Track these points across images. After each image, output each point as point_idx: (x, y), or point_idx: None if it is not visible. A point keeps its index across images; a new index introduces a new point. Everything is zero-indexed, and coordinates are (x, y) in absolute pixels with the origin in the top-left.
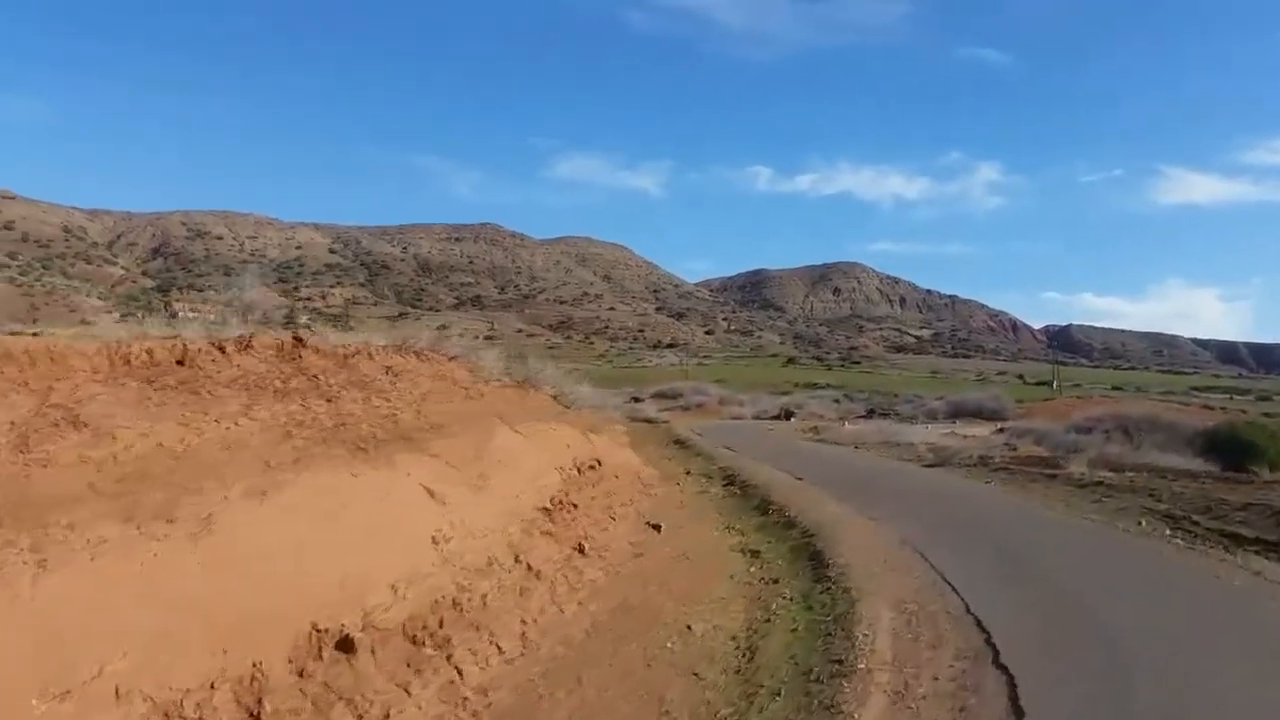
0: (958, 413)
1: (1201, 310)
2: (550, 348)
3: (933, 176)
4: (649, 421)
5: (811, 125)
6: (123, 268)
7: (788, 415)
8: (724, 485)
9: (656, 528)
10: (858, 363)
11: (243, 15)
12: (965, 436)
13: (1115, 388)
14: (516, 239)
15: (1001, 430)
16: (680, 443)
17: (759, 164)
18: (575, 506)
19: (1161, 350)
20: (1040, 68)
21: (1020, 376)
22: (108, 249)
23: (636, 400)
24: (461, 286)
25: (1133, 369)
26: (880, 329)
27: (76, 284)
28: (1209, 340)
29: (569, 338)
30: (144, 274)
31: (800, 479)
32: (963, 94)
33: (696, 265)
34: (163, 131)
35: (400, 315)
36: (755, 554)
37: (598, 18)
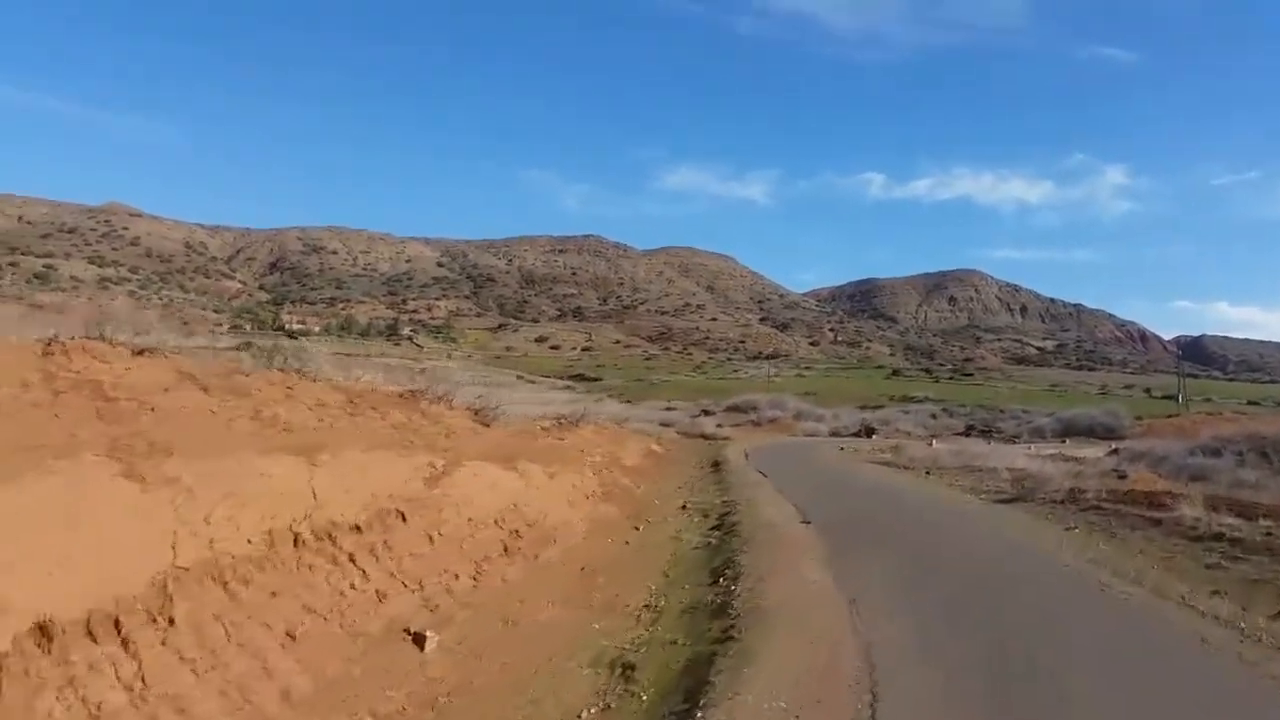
0: (1068, 431)
1: None
2: (647, 359)
3: (1056, 180)
4: (706, 438)
5: (927, 129)
6: (240, 281)
7: (868, 432)
8: (711, 529)
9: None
10: (970, 375)
11: (361, 35)
12: (1070, 459)
13: (1251, 402)
14: (619, 250)
15: (1115, 451)
16: (716, 465)
17: (871, 170)
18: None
19: None
20: (1170, 66)
21: (1147, 390)
22: (227, 264)
23: (706, 414)
24: (564, 298)
25: (1272, 383)
26: (999, 340)
27: (193, 297)
28: None
29: (667, 349)
30: (260, 287)
31: (808, 522)
32: (1088, 94)
33: (804, 276)
34: (282, 150)
35: (500, 326)
36: (625, 671)
37: (705, 25)
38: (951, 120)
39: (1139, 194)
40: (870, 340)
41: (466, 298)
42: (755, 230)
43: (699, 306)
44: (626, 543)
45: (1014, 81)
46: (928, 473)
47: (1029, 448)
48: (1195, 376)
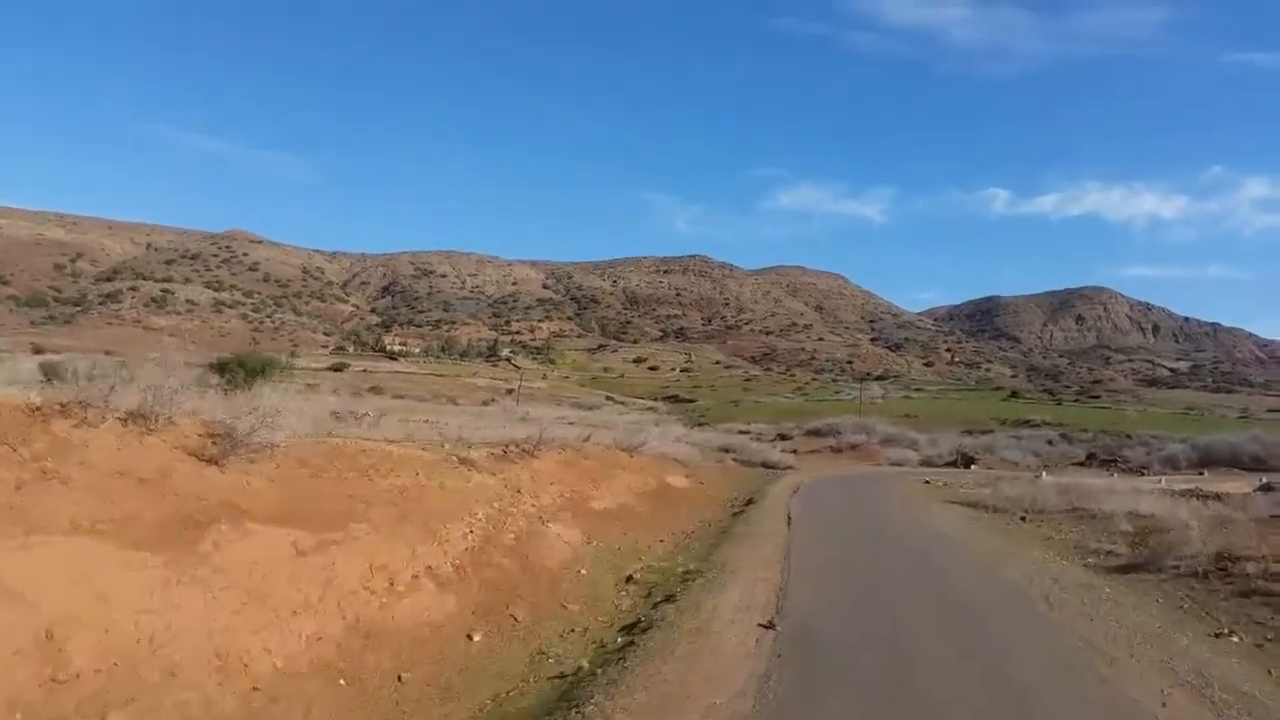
0: (1207, 460)
1: None
2: (747, 379)
3: (1192, 194)
4: (768, 466)
5: (1054, 143)
6: (353, 305)
7: (966, 462)
8: (623, 630)
9: None
10: (1097, 397)
11: (474, 65)
12: (1210, 497)
13: None
14: (725, 269)
15: (1268, 487)
16: (748, 504)
17: (994, 186)
18: None
19: None
20: None
21: None
22: (342, 288)
23: (783, 438)
24: (667, 319)
25: None
26: (1130, 360)
27: (305, 319)
28: None
29: (769, 370)
30: (372, 310)
31: (771, 626)
32: (1226, 104)
33: (923, 295)
34: (402, 176)
35: (599, 347)
36: None
37: (828, 43)
38: (1079, 134)
39: None
40: (990, 361)
41: (569, 319)
42: (870, 250)
43: (806, 326)
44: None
45: (1146, 93)
46: (1023, 518)
47: (1160, 480)
48: None
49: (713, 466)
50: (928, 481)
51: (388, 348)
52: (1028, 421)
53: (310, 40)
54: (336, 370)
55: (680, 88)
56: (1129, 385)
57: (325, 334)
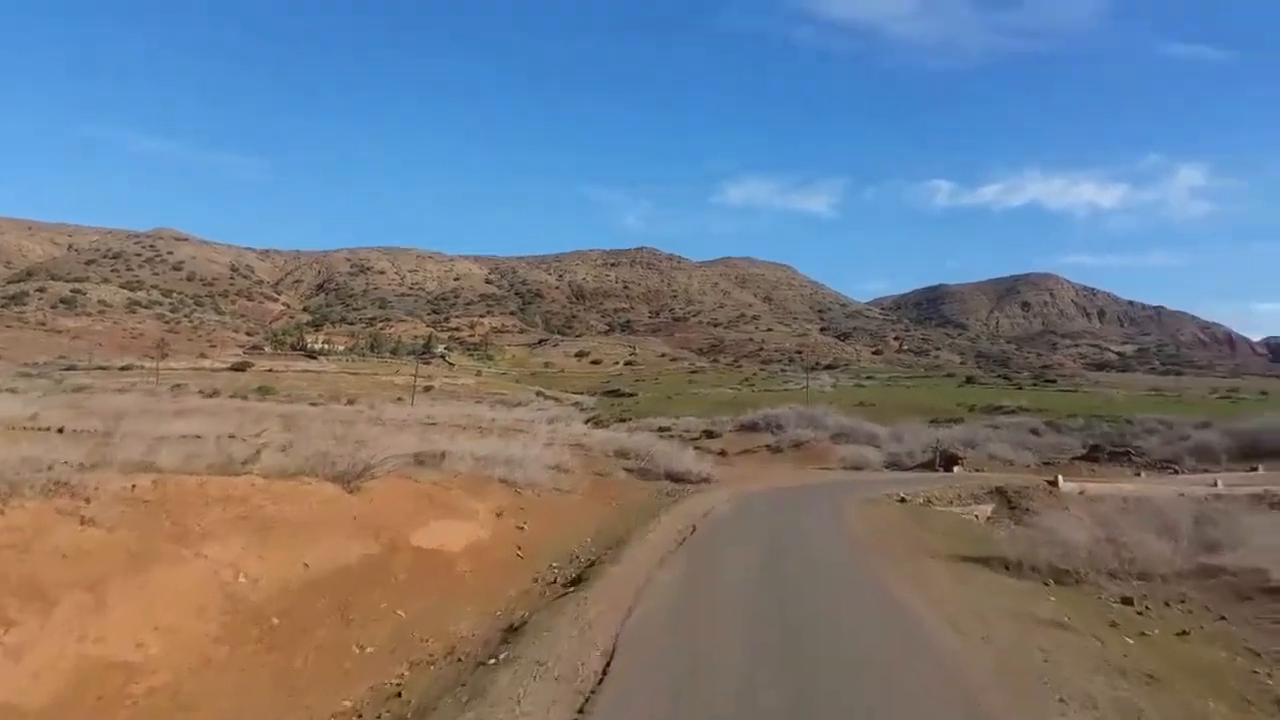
0: (1250, 451)
1: None
2: (693, 372)
3: (1130, 183)
4: (674, 479)
5: (996, 135)
6: (284, 303)
7: (947, 462)
8: None
9: None
10: (1053, 381)
11: (419, 56)
12: None
13: None
14: (673, 261)
15: None
16: (564, 594)
17: (939, 178)
18: None
19: None
20: (1249, 63)
21: (1264, 393)
22: (274, 286)
23: (710, 435)
24: (614, 312)
25: None
26: (1077, 345)
27: (228, 319)
28: None
29: (716, 361)
30: (305, 309)
31: None
32: (1163, 94)
33: (870, 285)
34: (337, 173)
35: (540, 342)
36: None
37: (774, 39)
38: (1019, 125)
39: (1218, 194)
40: (939, 348)
41: (512, 314)
42: (817, 241)
43: (754, 317)
44: None
45: (1084, 85)
46: (1133, 604)
47: (1215, 484)
48: None
49: (584, 486)
50: (903, 499)
51: (309, 346)
52: (1001, 408)
53: (258, 37)
54: (237, 370)
55: (628, 82)
56: (1078, 369)
57: (248, 334)
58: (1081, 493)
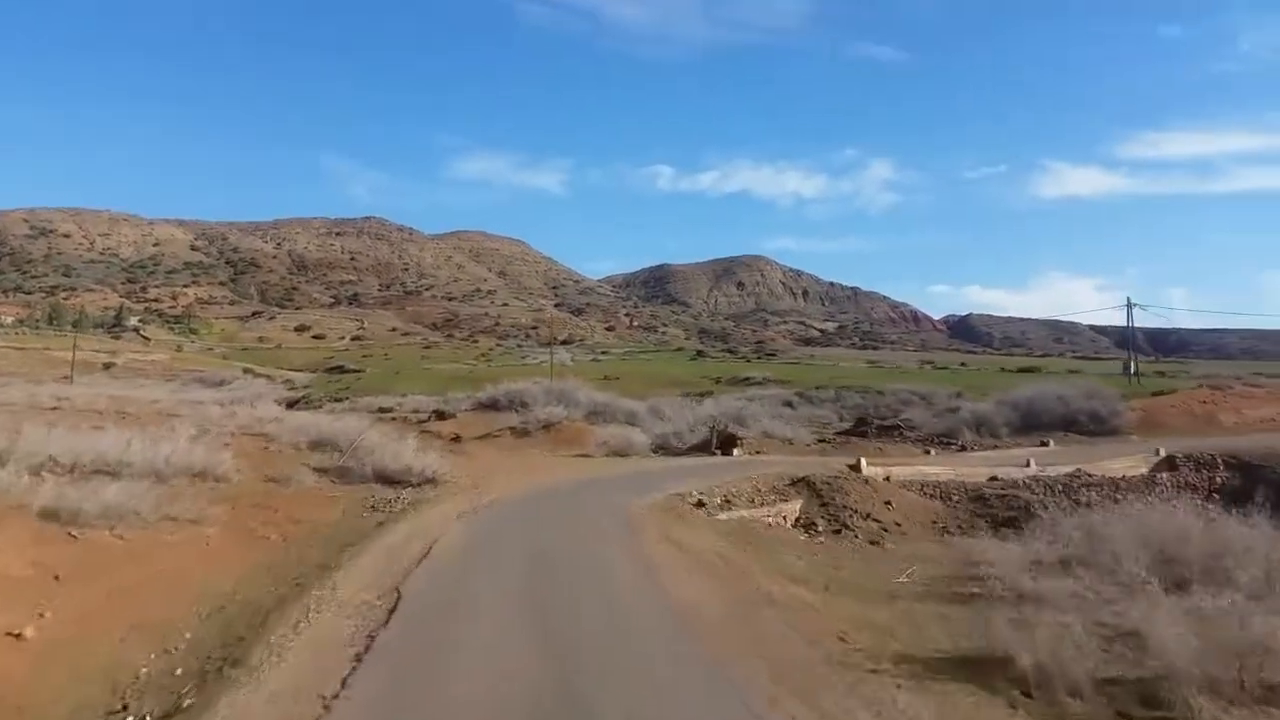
0: (1031, 424)
1: (1081, 300)
2: (426, 347)
3: (830, 174)
4: (392, 482)
5: (711, 124)
6: None
7: (724, 444)
8: None
9: None
10: (773, 354)
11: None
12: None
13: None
14: (405, 233)
15: (1211, 466)
16: None
17: (660, 163)
18: None
19: (1061, 337)
20: (930, 66)
21: (1005, 367)
22: None
23: (441, 416)
24: (340, 284)
25: (1045, 356)
26: (785, 322)
27: None
28: (1106, 327)
29: (451, 336)
30: None
31: None
32: (856, 92)
33: (600, 265)
34: (19, 126)
35: (254, 315)
36: None
37: (498, 12)
38: (733, 116)
39: (903, 186)
40: (666, 325)
41: (223, 284)
42: (550, 219)
43: (490, 292)
44: None
45: (792, 80)
46: None
47: (1027, 463)
48: (974, 353)
49: (228, 511)
50: (701, 502)
51: None
52: (749, 379)
53: None
54: None
55: (353, 52)
56: (788, 345)
57: None
58: (888, 478)
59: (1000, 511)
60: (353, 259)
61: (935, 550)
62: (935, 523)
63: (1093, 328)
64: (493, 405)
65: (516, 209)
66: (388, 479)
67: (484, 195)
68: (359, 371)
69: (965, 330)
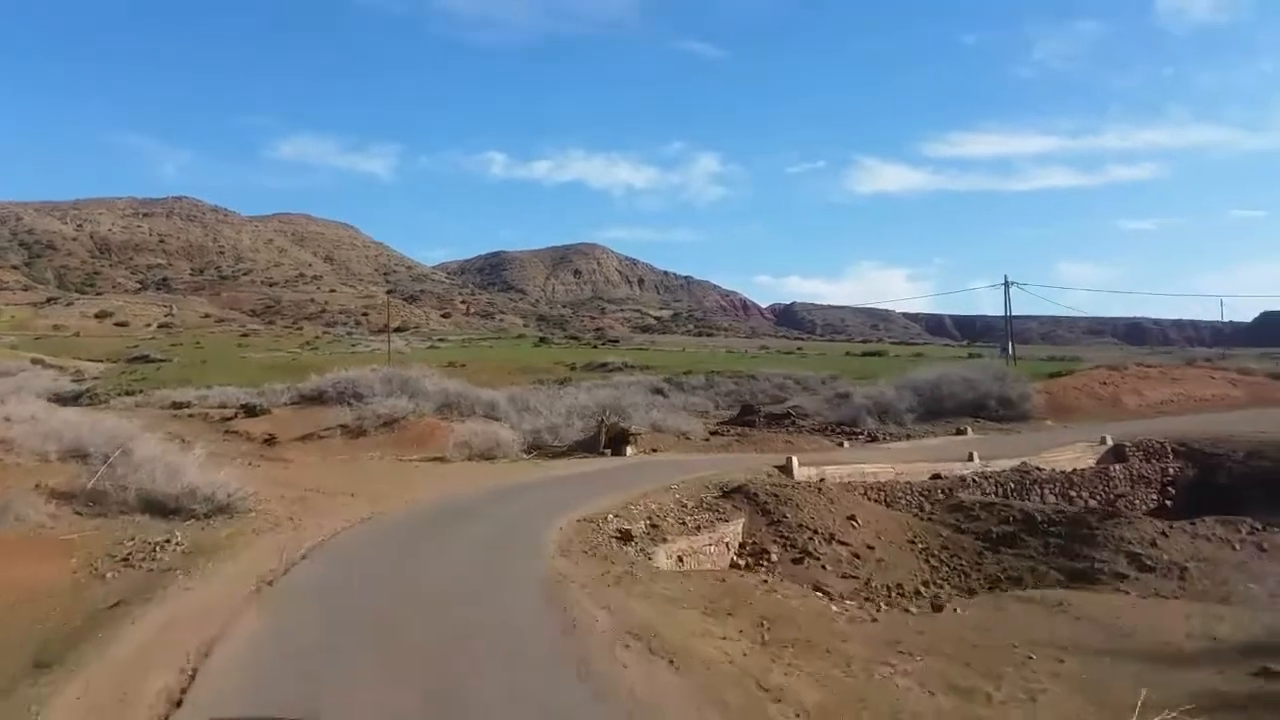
0: (939, 409)
1: (894, 289)
2: (243, 335)
3: (659, 166)
4: (172, 515)
5: (544, 113)
6: None
7: (614, 441)
8: None
9: None
10: (615, 340)
11: None
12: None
13: (868, 354)
14: (219, 214)
15: (1163, 455)
16: None
17: (493, 150)
18: None
19: (878, 324)
20: (750, 62)
21: (857, 353)
22: None
23: (252, 412)
24: (148, 269)
25: (865, 341)
26: (622, 310)
27: None
28: (918, 314)
29: (272, 323)
30: None
31: None
32: (683, 86)
33: (434, 252)
34: None
35: (49, 301)
36: None
37: None
38: (565, 106)
39: (729, 180)
40: (504, 312)
41: (14, 268)
42: (381, 204)
43: (315, 278)
44: None
45: (622, 72)
46: None
47: (970, 456)
48: (801, 339)
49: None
50: (626, 533)
51: None
52: (607, 365)
53: None
54: None
55: (162, 30)
56: (625, 333)
57: None
58: (822, 480)
59: (991, 525)
60: (161, 241)
61: (988, 617)
62: (914, 543)
63: (905, 315)
64: (319, 398)
65: (344, 193)
66: (160, 507)
67: (307, 178)
68: (165, 360)
69: (790, 318)
